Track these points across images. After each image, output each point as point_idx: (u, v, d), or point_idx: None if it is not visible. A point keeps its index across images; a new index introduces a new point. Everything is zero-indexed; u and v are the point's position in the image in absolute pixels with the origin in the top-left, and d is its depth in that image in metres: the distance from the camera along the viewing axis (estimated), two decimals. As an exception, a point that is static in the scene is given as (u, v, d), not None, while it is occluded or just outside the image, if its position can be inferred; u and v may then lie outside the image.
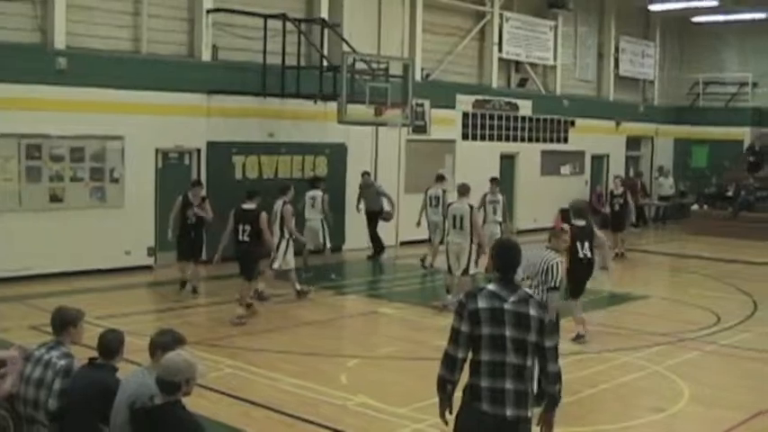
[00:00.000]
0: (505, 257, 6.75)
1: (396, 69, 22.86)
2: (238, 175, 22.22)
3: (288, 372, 11.94)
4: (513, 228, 22.26)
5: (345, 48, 21.97)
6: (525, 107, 31.26)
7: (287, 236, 17.56)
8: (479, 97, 29.46)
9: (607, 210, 26.98)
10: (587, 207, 16.23)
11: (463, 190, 17.67)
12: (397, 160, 24.43)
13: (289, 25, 21.88)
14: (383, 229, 23.68)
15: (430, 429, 10.24)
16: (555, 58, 33.14)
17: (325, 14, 23.98)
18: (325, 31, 23.31)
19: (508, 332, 6.50)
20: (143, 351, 7.65)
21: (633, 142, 37.91)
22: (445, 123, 28.03)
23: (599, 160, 35.58)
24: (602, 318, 17.24)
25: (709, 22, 37.35)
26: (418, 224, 21.85)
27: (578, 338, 14.71)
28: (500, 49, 30.60)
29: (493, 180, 22.18)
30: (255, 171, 22.66)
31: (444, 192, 21.40)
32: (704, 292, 20.07)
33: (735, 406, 11.65)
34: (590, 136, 34.12)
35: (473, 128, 29.23)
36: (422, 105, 26.70)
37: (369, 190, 23.61)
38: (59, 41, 19.31)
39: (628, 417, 11.12)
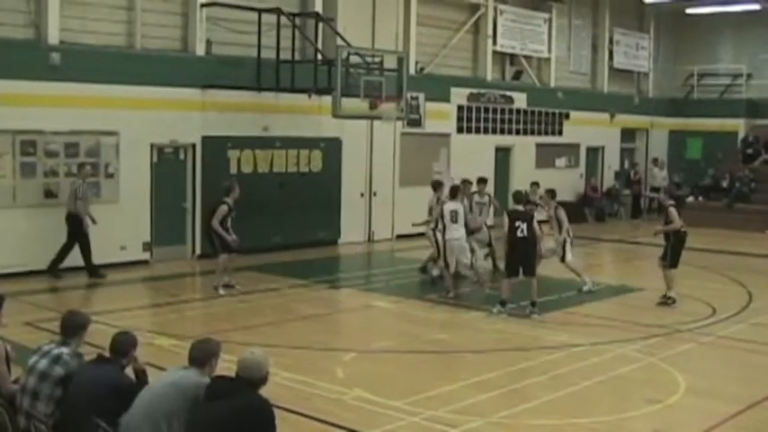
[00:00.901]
0: None
1: (390, 63, 22.84)
2: (233, 170, 22.18)
3: (283, 366, 11.94)
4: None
5: (340, 41, 21.95)
6: (520, 100, 31.24)
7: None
8: (474, 90, 29.44)
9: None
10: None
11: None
12: (392, 154, 24.44)
13: (283, 19, 21.86)
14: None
15: (425, 422, 10.28)
16: (549, 51, 33.10)
17: (319, 8, 23.96)
18: (320, 24, 23.28)
19: None
20: (140, 346, 7.67)
21: (628, 134, 37.90)
22: (440, 117, 28.01)
23: (594, 152, 35.59)
24: (598, 309, 17.25)
25: (703, 13, 37.35)
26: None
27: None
28: (494, 42, 30.58)
29: (480, 180, 21.05)
30: (250, 165, 22.65)
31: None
32: (700, 284, 20.07)
33: (731, 397, 11.67)
34: (585, 128, 34.12)
35: (468, 121, 29.21)
36: (416, 99, 26.70)
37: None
38: (53, 37, 19.27)
39: (623, 408, 11.14)
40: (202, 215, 20.37)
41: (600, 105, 35.35)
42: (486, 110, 29.88)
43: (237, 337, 13.78)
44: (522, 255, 16.23)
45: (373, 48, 24.51)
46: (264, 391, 6.88)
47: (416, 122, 27.03)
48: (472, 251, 18.68)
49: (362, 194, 25.54)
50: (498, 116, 30.39)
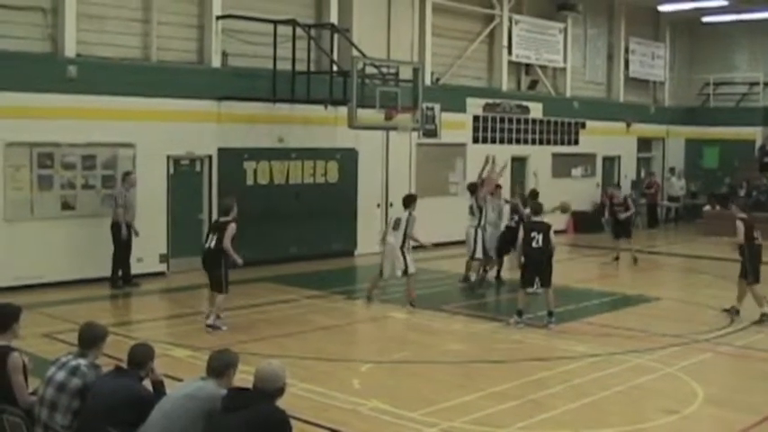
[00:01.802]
0: None
1: (406, 74, 22.90)
2: (249, 181, 22.27)
3: (300, 377, 11.94)
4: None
5: (355, 52, 21.99)
6: (536, 109, 31.24)
7: None
8: (489, 100, 29.46)
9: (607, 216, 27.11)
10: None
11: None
12: (407, 164, 24.46)
13: (298, 31, 21.89)
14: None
15: (442, 433, 10.27)
16: (565, 60, 33.11)
17: (334, 20, 24.01)
18: (335, 36, 23.30)
19: None
20: (157, 357, 7.69)
21: (644, 143, 37.85)
22: (456, 127, 28.02)
23: (610, 162, 35.54)
24: (615, 320, 17.20)
25: (718, 22, 37.28)
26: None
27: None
28: (510, 52, 30.59)
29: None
30: (266, 177, 22.71)
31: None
32: (717, 293, 20.00)
33: (748, 408, 11.61)
34: (601, 138, 34.09)
35: (483, 131, 29.21)
36: (432, 109, 26.71)
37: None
38: (70, 50, 19.38)
39: (640, 419, 11.09)
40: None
41: (616, 115, 35.31)
42: (502, 120, 29.89)
43: (254, 348, 13.79)
44: (536, 265, 16.22)
45: (389, 59, 24.60)
46: (281, 403, 6.88)
47: (432, 133, 27.04)
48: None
49: (379, 205, 25.53)
50: (514, 126, 30.39)
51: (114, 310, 17.55)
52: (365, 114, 21.16)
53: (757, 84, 37.88)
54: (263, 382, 6.89)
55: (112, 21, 20.48)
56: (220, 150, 21.83)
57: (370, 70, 22.30)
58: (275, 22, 21.67)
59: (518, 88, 31.86)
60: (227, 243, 15.34)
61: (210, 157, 21.82)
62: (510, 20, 30.49)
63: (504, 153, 29.32)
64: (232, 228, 15.49)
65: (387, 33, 25.78)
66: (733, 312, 17.27)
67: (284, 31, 21.80)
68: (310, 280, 20.80)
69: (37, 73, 18.74)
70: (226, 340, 14.23)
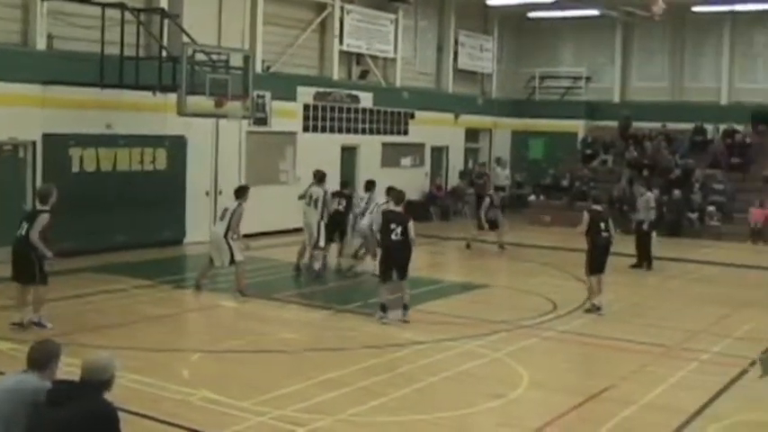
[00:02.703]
0: None
1: (236, 61, 22.71)
2: (75, 168, 21.69)
3: (129, 368, 11.67)
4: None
5: (185, 38, 21.69)
6: (366, 99, 31.44)
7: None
8: (320, 89, 29.49)
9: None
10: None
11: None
12: (237, 152, 24.30)
13: (127, 15, 21.44)
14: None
15: (273, 422, 10.27)
16: (395, 51, 33.42)
17: (164, 5, 23.63)
18: (165, 21, 22.92)
19: None
20: None
21: (472, 134, 38.56)
22: (286, 115, 27.96)
23: (438, 152, 36.07)
24: (443, 307, 17.50)
25: (544, 17, 38.35)
26: None
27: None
28: (341, 42, 30.70)
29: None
30: (93, 164, 22.16)
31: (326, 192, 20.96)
32: (542, 280, 20.60)
33: (571, 390, 12.03)
34: (430, 128, 34.57)
35: (314, 120, 29.25)
36: (263, 97, 26.58)
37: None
38: None
39: (467, 404, 11.35)
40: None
41: (445, 105, 35.87)
42: (333, 109, 29.97)
43: (82, 339, 13.45)
44: (396, 259, 15.75)
45: (219, 46, 24.32)
46: (111, 395, 6.73)
47: (263, 121, 26.91)
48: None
49: (208, 193, 25.26)
50: (344, 115, 30.51)
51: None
52: (195, 101, 20.87)
53: (581, 78, 39.14)
54: (90, 373, 6.70)
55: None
56: (45, 136, 21.17)
57: (200, 57, 22.05)
58: (103, 5, 21.14)
59: (349, 78, 32.02)
60: (33, 235, 14.34)
61: (35, 143, 21.13)
62: (342, 9, 30.60)
63: (334, 142, 29.65)
64: (43, 218, 14.51)
65: (218, 20, 25.49)
66: (594, 310, 17.20)
67: (113, 14, 21.30)
68: (138, 269, 20.44)
69: None
70: (51, 331, 13.86)
